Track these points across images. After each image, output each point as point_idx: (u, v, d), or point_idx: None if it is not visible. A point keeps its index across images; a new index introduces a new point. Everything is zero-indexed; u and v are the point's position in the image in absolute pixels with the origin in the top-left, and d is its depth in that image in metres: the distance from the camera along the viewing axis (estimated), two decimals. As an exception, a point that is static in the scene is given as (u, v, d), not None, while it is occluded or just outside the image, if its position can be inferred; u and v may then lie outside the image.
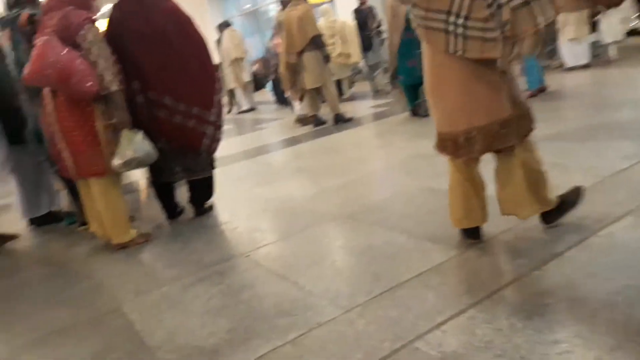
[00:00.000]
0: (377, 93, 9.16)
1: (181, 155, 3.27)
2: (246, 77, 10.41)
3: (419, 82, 5.58)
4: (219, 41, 10.23)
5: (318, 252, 2.51)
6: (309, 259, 2.46)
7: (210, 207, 3.61)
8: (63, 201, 3.96)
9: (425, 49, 2.13)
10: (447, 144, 2.18)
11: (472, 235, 2.27)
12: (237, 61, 10.03)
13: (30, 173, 3.86)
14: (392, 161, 4.02)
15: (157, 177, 3.40)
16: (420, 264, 2.17)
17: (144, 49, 3.15)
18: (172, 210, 3.58)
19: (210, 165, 3.44)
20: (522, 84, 5.49)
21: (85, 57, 2.80)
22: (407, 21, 5.45)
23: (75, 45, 2.79)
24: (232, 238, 2.99)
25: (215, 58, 8.71)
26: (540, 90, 5.53)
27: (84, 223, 3.51)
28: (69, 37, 2.79)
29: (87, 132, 2.91)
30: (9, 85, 3.56)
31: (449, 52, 1.98)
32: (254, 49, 12.57)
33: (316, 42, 6.15)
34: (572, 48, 6.78)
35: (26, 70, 2.75)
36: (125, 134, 2.94)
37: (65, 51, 2.72)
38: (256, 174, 4.59)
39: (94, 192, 3.04)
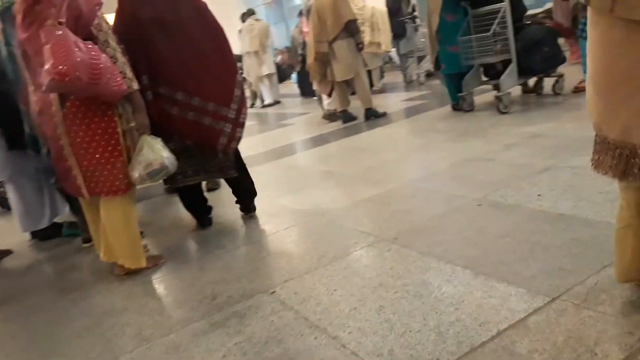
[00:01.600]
0: (409, 84, 8.58)
1: (194, 154, 2.91)
2: (268, 69, 9.92)
3: (464, 71, 5.05)
4: (240, 31, 9.75)
5: (359, 292, 2.01)
6: (348, 301, 1.96)
7: (254, 208, 3.29)
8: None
9: (590, 17, 1.50)
10: (620, 161, 1.46)
11: None
12: (255, 54, 9.56)
13: (32, 181, 3.44)
14: (437, 166, 3.47)
15: (167, 181, 2.97)
16: (497, 317, 1.66)
17: (158, 40, 2.76)
18: (203, 217, 3.21)
19: (231, 165, 3.03)
20: (578, 74, 4.89)
21: (104, 51, 2.35)
22: (448, 0, 4.88)
23: (88, 38, 2.33)
24: (253, 266, 2.50)
25: (236, 49, 8.27)
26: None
27: (89, 239, 3.09)
28: (82, 28, 2.32)
29: (108, 143, 2.45)
30: (7, 85, 3.14)
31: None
32: (279, 38, 12.11)
33: (350, 28, 5.61)
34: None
35: (48, 74, 2.15)
36: (147, 140, 2.52)
37: (88, 46, 2.25)
38: (280, 180, 4.10)
39: (110, 212, 2.57)
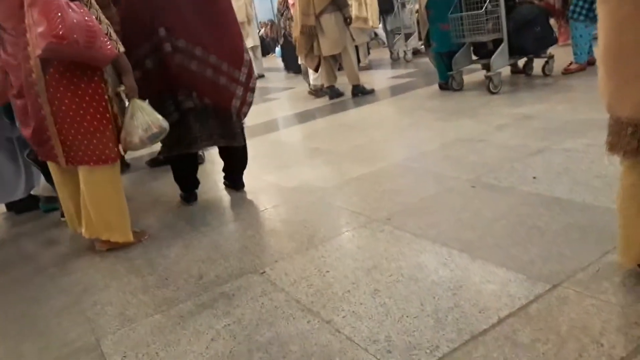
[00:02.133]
0: (396, 62, 8.48)
1: (211, 116, 2.83)
2: (253, 41, 9.67)
3: (454, 50, 4.96)
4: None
5: (352, 274, 1.94)
6: (341, 283, 1.89)
7: (243, 184, 3.19)
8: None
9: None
10: (633, 138, 1.40)
11: None
12: (240, 25, 9.26)
13: (4, 151, 3.27)
14: (428, 145, 3.41)
15: (172, 148, 2.85)
16: (497, 304, 1.61)
17: None
18: (192, 189, 3.12)
19: (242, 132, 3.00)
20: (568, 56, 4.85)
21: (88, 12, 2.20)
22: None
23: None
24: (241, 244, 2.41)
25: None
26: (589, 64, 4.88)
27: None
28: None
29: (96, 110, 2.32)
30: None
31: None
32: (262, 11, 11.84)
33: (338, 2, 5.45)
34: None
35: (43, 38, 1.99)
36: (138, 104, 2.42)
37: (77, 7, 2.10)
38: (266, 156, 3.99)
39: (96, 183, 2.44)
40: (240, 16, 9.24)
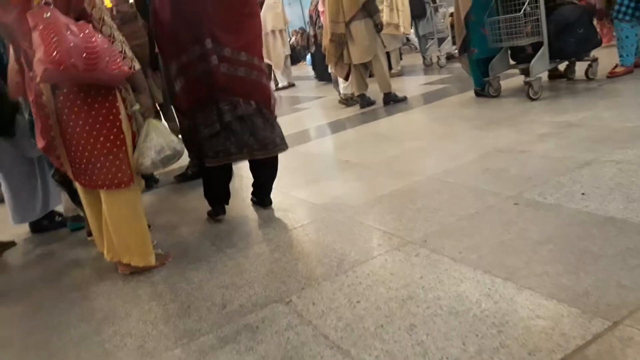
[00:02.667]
0: (429, 67, 8.27)
1: (255, 125, 2.76)
2: (286, 50, 9.61)
3: (491, 55, 4.75)
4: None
5: (386, 305, 1.79)
6: (373, 316, 1.74)
7: (271, 201, 3.11)
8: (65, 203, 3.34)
9: None
10: None
11: None
12: (274, 34, 9.22)
13: (23, 171, 3.25)
14: (465, 157, 3.22)
15: (215, 158, 2.76)
16: (549, 344, 1.43)
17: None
18: (222, 202, 3.03)
19: (283, 138, 2.92)
20: (612, 58, 4.57)
21: (99, 30, 2.15)
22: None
23: (80, 17, 2.12)
24: (267, 268, 2.29)
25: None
26: (636, 66, 4.59)
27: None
28: (75, 6, 2.11)
29: (110, 131, 2.23)
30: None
31: None
32: (293, 18, 11.81)
33: (368, 8, 5.29)
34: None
35: (41, 64, 1.92)
36: (153, 124, 2.33)
37: (81, 28, 2.03)
38: (296, 169, 3.87)
39: (114, 206, 2.36)
40: (279, 23, 9.23)
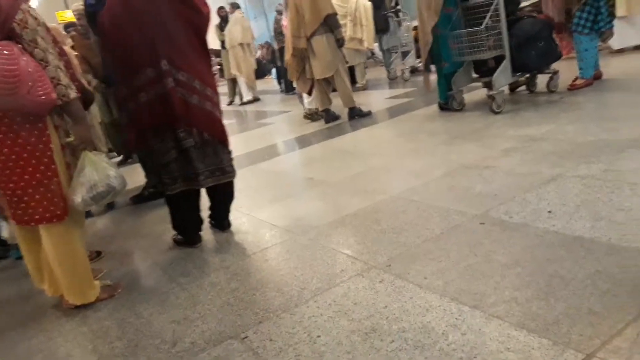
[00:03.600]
0: (393, 81, 8.27)
1: (209, 152, 2.64)
2: (253, 64, 9.52)
3: (457, 69, 4.72)
4: (221, 24, 9.31)
5: (347, 340, 1.67)
6: (334, 352, 1.61)
7: (230, 224, 2.98)
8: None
9: None
10: None
11: None
12: (243, 47, 9.13)
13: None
14: (430, 174, 3.15)
15: (174, 185, 2.63)
16: (521, 381, 1.33)
17: (171, 19, 2.50)
18: (197, 230, 2.85)
19: (232, 164, 2.81)
20: (571, 71, 4.61)
21: (30, 53, 1.95)
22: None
23: (8, 38, 1.94)
24: (223, 299, 2.14)
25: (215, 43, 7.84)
26: (595, 78, 4.63)
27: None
28: (1, 26, 1.92)
29: (39, 161, 2.04)
30: None
31: None
32: (258, 33, 11.74)
33: (330, 23, 5.23)
34: (621, 27, 5.85)
35: None
36: (89, 157, 2.14)
37: (1, 48, 1.86)
38: (258, 188, 3.74)
39: (50, 241, 2.17)
40: (246, 37, 9.14)
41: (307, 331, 1.76)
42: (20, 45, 1.93)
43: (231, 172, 2.77)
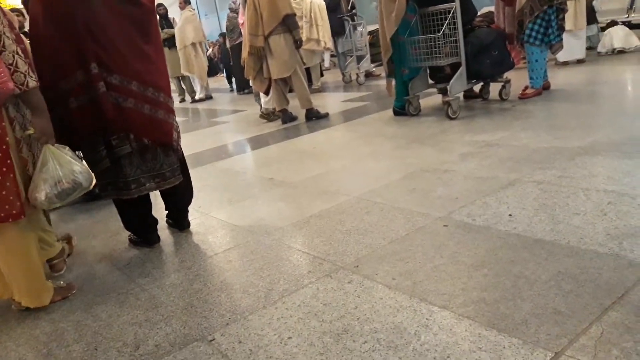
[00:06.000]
0: (348, 84, 8.33)
1: (149, 158, 2.49)
2: (205, 62, 9.37)
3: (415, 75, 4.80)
4: (162, 22, 9.09)
5: (320, 341, 1.65)
6: (307, 354, 1.59)
7: (189, 223, 2.89)
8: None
9: None
10: None
11: None
12: (195, 46, 8.96)
13: None
14: (391, 176, 3.18)
15: (106, 190, 2.51)
16: (494, 379, 1.35)
17: (103, 16, 2.31)
18: (153, 230, 2.73)
19: (182, 165, 2.70)
20: (520, 80, 4.79)
21: None
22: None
23: None
24: (186, 301, 2.07)
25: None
26: (544, 88, 4.83)
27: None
28: None
29: None
30: None
31: None
32: (210, 30, 11.57)
33: (288, 23, 5.20)
34: (567, 40, 6.14)
35: None
36: (52, 151, 2.02)
37: None
38: (216, 187, 3.66)
39: (2, 241, 2.04)
40: (198, 36, 8.96)
41: (278, 333, 1.73)
42: None
43: (172, 178, 2.60)
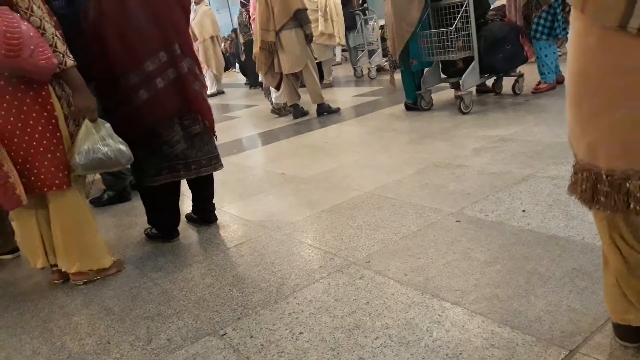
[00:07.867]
0: (359, 79, 8.30)
1: (207, 138, 2.63)
2: (221, 56, 9.44)
3: (426, 67, 4.76)
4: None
5: (331, 337, 1.65)
6: (318, 349, 1.59)
7: (216, 217, 2.91)
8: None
9: (575, 21, 1.19)
10: (587, 185, 1.20)
11: (630, 337, 1.37)
12: (213, 40, 9.04)
13: None
14: (403, 171, 3.16)
15: (174, 175, 2.54)
16: (507, 377, 1.34)
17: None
18: (175, 225, 2.74)
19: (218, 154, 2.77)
20: (535, 74, 4.73)
21: (27, 20, 1.93)
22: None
23: (4, 4, 1.89)
24: (198, 296, 2.08)
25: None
26: (558, 82, 4.77)
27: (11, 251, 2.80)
28: None
29: (45, 128, 2.05)
30: None
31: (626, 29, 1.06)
32: (222, 25, 11.59)
33: (300, 18, 5.19)
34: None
35: None
36: (89, 125, 2.12)
37: (2, 12, 1.83)
38: (227, 182, 3.67)
39: (60, 210, 2.19)
40: (215, 30, 9.04)
41: (289, 327, 1.73)
42: (17, 13, 1.90)
43: (218, 162, 2.71)
